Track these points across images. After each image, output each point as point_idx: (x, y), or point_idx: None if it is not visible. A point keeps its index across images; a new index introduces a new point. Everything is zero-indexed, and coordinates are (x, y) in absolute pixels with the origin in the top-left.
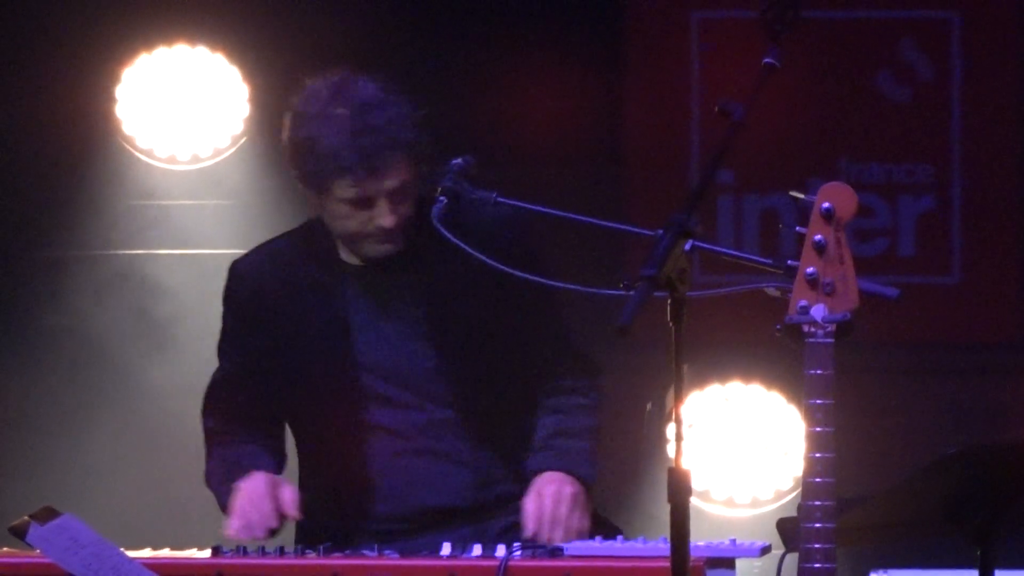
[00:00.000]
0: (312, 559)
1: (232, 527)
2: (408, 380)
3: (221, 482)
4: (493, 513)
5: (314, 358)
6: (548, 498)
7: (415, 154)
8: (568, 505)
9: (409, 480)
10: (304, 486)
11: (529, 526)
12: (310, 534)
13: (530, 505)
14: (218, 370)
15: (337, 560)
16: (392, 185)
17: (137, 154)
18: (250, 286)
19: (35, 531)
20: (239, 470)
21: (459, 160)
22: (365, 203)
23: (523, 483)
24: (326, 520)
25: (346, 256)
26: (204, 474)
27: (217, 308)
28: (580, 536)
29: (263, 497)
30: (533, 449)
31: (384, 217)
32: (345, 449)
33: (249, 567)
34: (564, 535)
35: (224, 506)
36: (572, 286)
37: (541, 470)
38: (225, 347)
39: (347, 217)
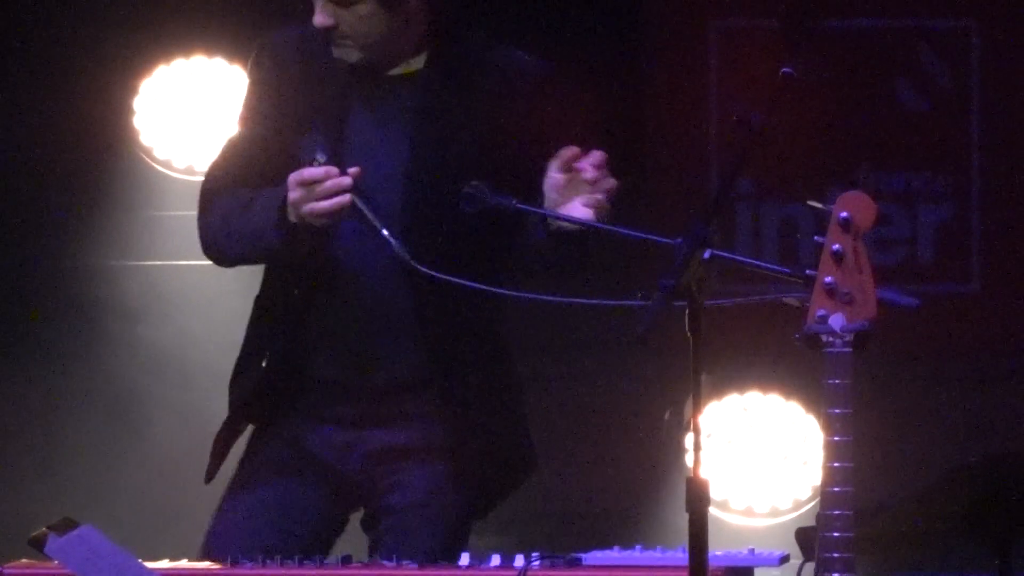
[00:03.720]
0: (331, 569)
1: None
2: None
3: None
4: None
5: (303, 152)
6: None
7: None
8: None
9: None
10: (246, 355)
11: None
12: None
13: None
14: (228, 140)
15: (356, 570)
16: None
17: (155, 165)
18: (275, 61)
19: (54, 542)
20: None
21: (472, 187)
22: None
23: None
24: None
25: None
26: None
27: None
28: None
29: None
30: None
31: (321, 14)
32: (310, 274)
33: None
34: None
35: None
36: (588, 300)
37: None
38: (243, 115)
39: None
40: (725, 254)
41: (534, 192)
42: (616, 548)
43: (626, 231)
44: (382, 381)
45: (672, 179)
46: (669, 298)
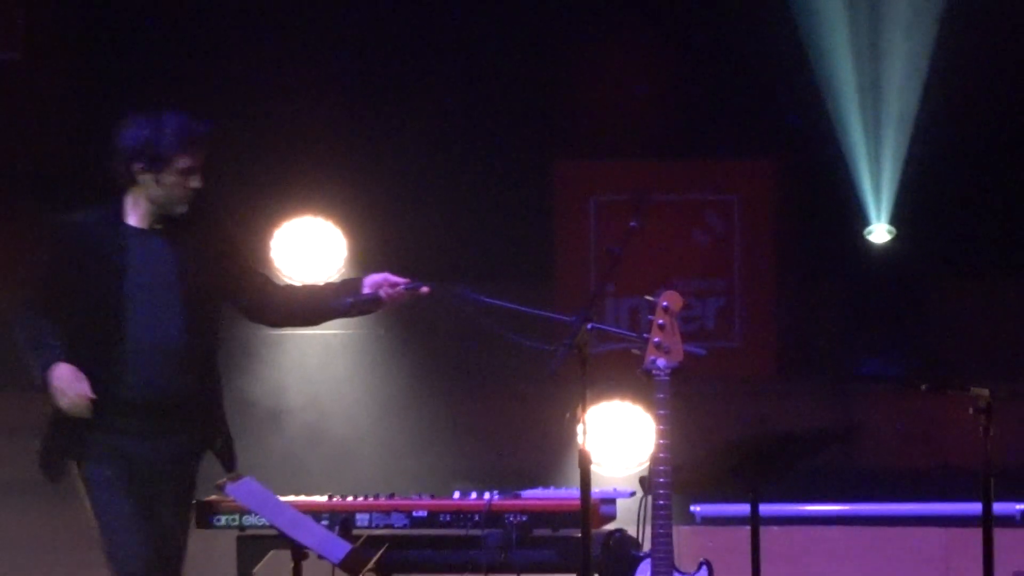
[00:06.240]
0: (390, 500)
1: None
2: (160, 314)
3: (41, 356)
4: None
5: (94, 278)
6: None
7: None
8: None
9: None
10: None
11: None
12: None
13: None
14: (19, 295)
15: (398, 502)
16: (201, 161)
17: (284, 279)
18: (58, 237)
19: (231, 487)
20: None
21: (462, 289)
22: (192, 171)
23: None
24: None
25: (132, 221)
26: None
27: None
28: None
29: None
30: (336, 291)
31: (198, 181)
32: (108, 348)
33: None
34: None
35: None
36: (532, 343)
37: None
38: (36, 280)
39: (176, 184)
40: (600, 325)
41: (247, 286)
42: (539, 488)
43: (544, 313)
44: (166, 401)
45: (569, 286)
46: (568, 351)
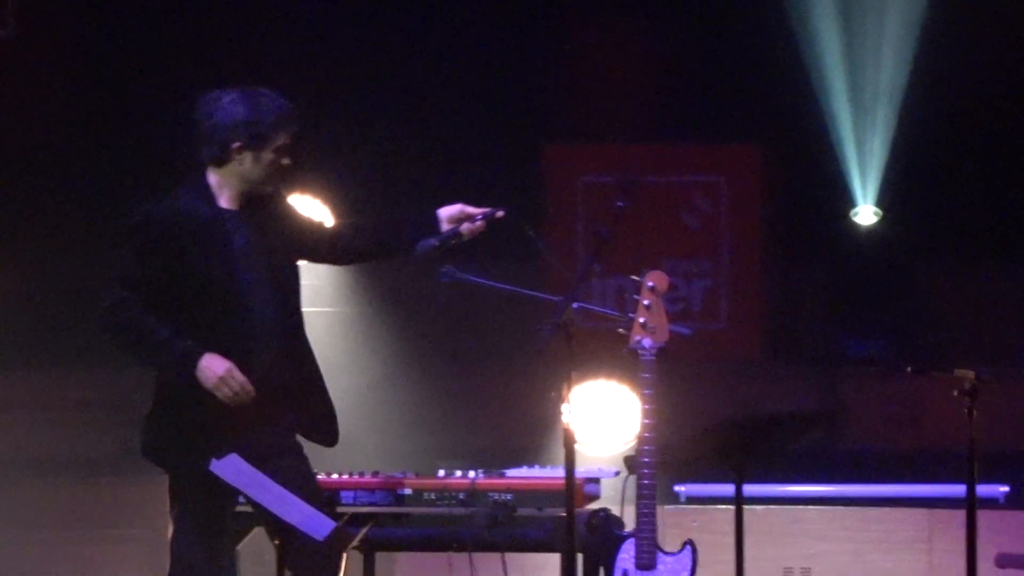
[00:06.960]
0: (376, 478)
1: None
2: (266, 295)
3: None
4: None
5: (210, 267)
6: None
7: None
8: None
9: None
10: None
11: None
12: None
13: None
14: (118, 294)
15: (400, 478)
16: (294, 139)
17: None
18: (160, 228)
19: (215, 464)
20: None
21: (449, 268)
22: (287, 150)
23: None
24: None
25: (224, 203)
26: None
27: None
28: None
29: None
30: (409, 222)
31: (289, 159)
32: (238, 335)
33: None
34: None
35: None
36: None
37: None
38: (131, 277)
39: (272, 162)
40: (587, 305)
41: (318, 240)
42: (524, 467)
43: (533, 293)
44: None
45: (560, 261)
46: (555, 329)
